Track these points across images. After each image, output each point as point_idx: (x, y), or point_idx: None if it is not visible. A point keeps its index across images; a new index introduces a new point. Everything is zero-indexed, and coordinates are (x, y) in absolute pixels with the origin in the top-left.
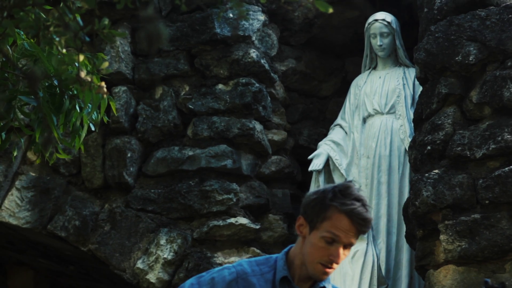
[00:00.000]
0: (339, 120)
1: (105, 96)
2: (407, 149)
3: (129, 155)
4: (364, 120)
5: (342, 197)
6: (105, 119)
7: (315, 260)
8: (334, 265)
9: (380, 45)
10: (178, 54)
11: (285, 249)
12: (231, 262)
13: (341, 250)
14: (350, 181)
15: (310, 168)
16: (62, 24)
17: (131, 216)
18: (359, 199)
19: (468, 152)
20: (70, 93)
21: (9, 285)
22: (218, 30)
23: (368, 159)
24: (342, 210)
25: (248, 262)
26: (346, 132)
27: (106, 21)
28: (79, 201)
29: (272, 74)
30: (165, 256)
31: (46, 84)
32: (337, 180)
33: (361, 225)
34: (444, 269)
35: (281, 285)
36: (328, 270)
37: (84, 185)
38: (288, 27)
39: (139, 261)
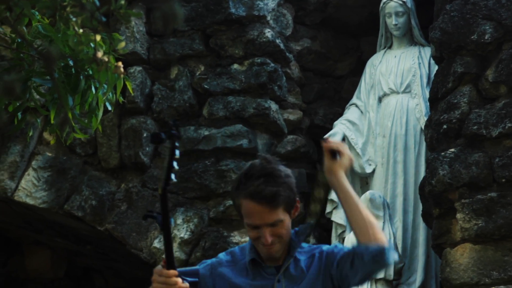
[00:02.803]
0: (354, 100)
1: (121, 76)
2: (423, 128)
3: (145, 135)
4: (380, 99)
5: (245, 180)
6: (121, 99)
7: (255, 243)
8: (274, 243)
9: (395, 24)
10: (193, 34)
11: None
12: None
13: (267, 231)
14: (261, 157)
15: None
16: (78, 5)
17: (147, 195)
18: (260, 176)
19: (484, 131)
20: (86, 73)
21: (27, 265)
22: (233, 10)
23: (384, 138)
24: (246, 195)
25: (226, 253)
26: (361, 112)
27: (123, 1)
28: (95, 181)
29: (287, 53)
30: (181, 235)
31: (62, 64)
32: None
33: (267, 201)
34: (460, 248)
35: (253, 268)
36: (269, 248)
37: (101, 165)
38: (303, 7)
39: (156, 241)
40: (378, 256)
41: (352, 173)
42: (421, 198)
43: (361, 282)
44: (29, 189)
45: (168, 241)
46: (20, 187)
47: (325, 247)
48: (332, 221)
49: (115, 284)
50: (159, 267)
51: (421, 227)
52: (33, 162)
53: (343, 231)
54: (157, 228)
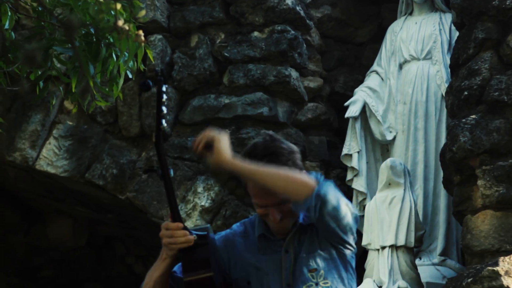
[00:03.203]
0: (375, 67)
1: (142, 44)
2: (443, 94)
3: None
4: (401, 66)
5: (249, 160)
6: (141, 67)
7: (264, 219)
8: (283, 219)
9: None
10: (213, 2)
11: None
12: None
13: (275, 210)
14: (264, 135)
15: (346, 115)
16: None
17: (168, 164)
18: (264, 156)
19: (505, 97)
20: (106, 41)
21: (48, 233)
22: None
23: (405, 105)
24: None
25: (240, 223)
26: (382, 79)
27: None
28: (116, 149)
29: (307, 21)
30: (202, 203)
31: (83, 32)
32: (374, 126)
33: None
34: (481, 214)
35: (262, 243)
36: (279, 224)
37: (121, 134)
38: None
39: None
40: (318, 205)
41: (373, 141)
42: (442, 165)
43: (340, 226)
44: (50, 158)
45: (171, 193)
46: (41, 156)
47: None
48: (352, 189)
49: (136, 253)
50: (165, 222)
51: (442, 194)
52: (54, 131)
53: (364, 199)
54: (178, 196)
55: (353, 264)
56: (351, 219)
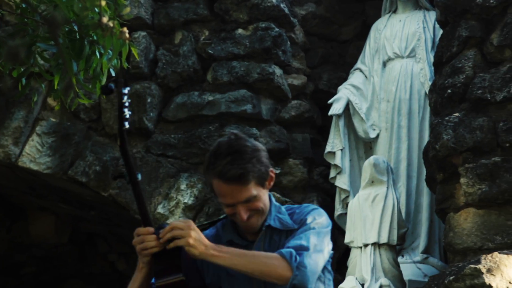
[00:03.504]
0: (359, 64)
1: (126, 41)
2: (427, 92)
3: (149, 100)
4: (384, 64)
5: (214, 160)
6: (125, 65)
7: (233, 218)
8: (251, 216)
9: None
10: None
11: None
12: None
13: (241, 209)
14: (229, 134)
15: (330, 112)
16: None
17: (151, 161)
18: (227, 154)
19: (488, 95)
20: (90, 38)
21: (31, 230)
22: None
23: (388, 103)
24: (214, 175)
25: (212, 228)
26: (366, 76)
27: None
28: (99, 146)
29: (291, 18)
30: (185, 201)
31: (66, 29)
32: (357, 124)
33: (236, 180)
34: (464, 212)
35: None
36: (247, 223)
37: (105, 131)
38: None
39: (160, 206)
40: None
41: (356, 138)
42: (425, 163)
43: None
44: (33, 154)
45: (139, 197)
46: (24, 152)
47: (298, 210)
48: (335, 186)
49: (119, 250)
50: (137, 228)
51: (425, 192)
52: (37, 128)
53: (347, 196)
54: (161, 193)
55: (329, 266)
56: (326, 259)
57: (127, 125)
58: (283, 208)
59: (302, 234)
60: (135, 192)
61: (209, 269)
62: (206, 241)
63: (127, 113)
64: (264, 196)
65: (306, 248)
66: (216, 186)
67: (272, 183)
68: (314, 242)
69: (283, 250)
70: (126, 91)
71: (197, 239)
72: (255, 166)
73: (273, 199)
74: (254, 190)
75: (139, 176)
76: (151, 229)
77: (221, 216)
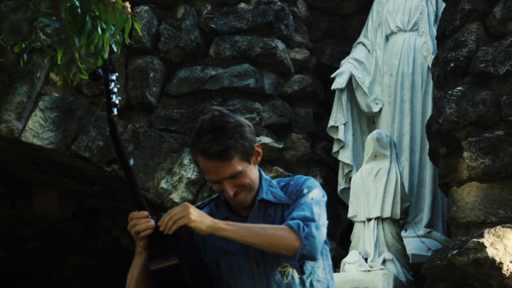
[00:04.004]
0: (361, 38)
1: (129, 16)
2: (430, 66)
3: (151, 75)
4: (387, 38)
5: (198, 137)
6: (127, 41)
7: (222, 195)
8: (239, 193)
9: None
10: None
11: None
12: None
13: (227, 184)
14: (212, 110)
15: (333, 87)
16: None
17: (154, 136)
18: (209, 131)
19: (491, 69)
20: (92, 14)
21: (34, 205)
22: None
23: (391, 77)
24: (198, 153)
25: (204, 203)
26: (368, 50)
27: None
28: (102, 121)
29: None
30: (188, 175)
31: (68, 5)
32: (360, 98)
33: (218, 156)
34: (467, 186)
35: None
36: (235, 199)
37: None
38: None
39: (163, 181)
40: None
41: (359, 112)
42: (428, 136)
43: None
44: (36, 129)
45: (132, 182)
46: (27, 127)
47: (293, 181)
48: (338, 161)
49: (122, 225)
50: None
51: (428, 166)
52: (40, 103)
53: (350, 171)
54: (164, 168)
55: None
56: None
57: (115, 111)
58: (274, 181)
59: (304, 205)
60: (128, 177)
61: (205, 249)
62: (209, 217)
63: (115, 99)
64: (251, 171)
65: (312, 219)
66: (200, 163)
67: (259, 158)
68: (318, 212)
69: (290, 222)
70: (114, 77)
71: (199, 215)
72: (237, 141)
73: (263, 173)
74: (238, 165)
75: (131, 162)
76: (145, 213)
77: (213, 196)
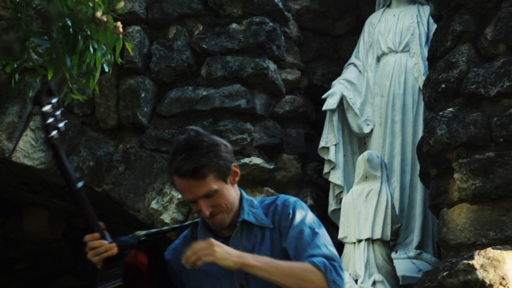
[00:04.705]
0: (353, 59)
1: (120, 36)
2: (421, 87)
3: (143, 95)
4: (378, 59)
5: (173, 157)
6: (119, 60)
7: (200, 215)
8: (216, 213)
9: None
10: None
11: None
12: None
13: (203, 204)
14: (188, 130)
15: (324, 108)
16: None
17: (145, 156)
18: (184, 150)
19: (482, 90)
20: (84, 33)
21: (24, 226)
22: None
23: (382, 98)
24: (173, 172)
25: (187, 230)
26: (360, 71)
27: None
28: (93, 141)
29: (285, 12)
30: (179, 196)
31: (60, 24)
32: (351, 119)
33: (191, 175)
34: (458, 208)
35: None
36: (212, 219)
37: (98, 126)
38: None
39: (154, 202)
40: None
41: (350, 133)
42: (419, 158)
43: None
44: (27, 150)
45: (81, 205)
46: (18, 147)
47: (280, 202)
48: (329, 182)
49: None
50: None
51: (419, 187)
52: (31, 123)
53: (341, 192)
54: (154, 189)
55: None
56: None
57: (54, 133)
58: (255, 201)
59: (316, 241)
60: (76, 200)
61: (188, 274)
62: (235, 251)
63: (56, 122)
64: (228, 191)
65: (331, 258)
66: (176, 183)
67: (237, 179)
68: (329, 247)
69: (316, 260)
70: (52, 100)
71: (224, 252)
72: (211, 160)
73: (244, 193)
74: (213, 184)
75: (80, 184)
76: (97, 235)
77: (187, 222)
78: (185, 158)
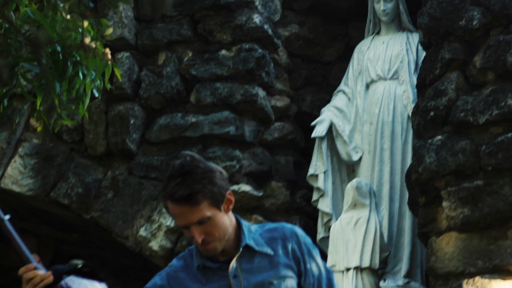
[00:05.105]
0: (342, 86)
1: (109, 62)
2: (410, 115)
3: (132, 121)
4: (367, 86)
5: (167, 182)
6: (108, 86)
7: (194, 241)
8: (208, 241)
9: (384, 10)
10: (181, 20)
11: None
12: None
13: (195, 231)
14: (183, 156)
15: (313, 135)
16: None
17: (134, 183)
18: (178, 176)
19: (471, 118)
20: (73, 59)
21: (12, 253)
22: None
23: (371, 125)
24: (166, 197)
25: (178, 258)
26: (349, 98)
27: None
28: (82, 168)
29: (275, 39)
30: (168, 223)
31: (49, 50)
32: (340, 146)
33: (185, 201)
34: (446, 236)
35: (204, 273)
36: (204, 246)
37: (87, 152)
38: None
39: (142, 229)
40: None
41: (339, 161)
42: (408, 185)
43: None
44: (16, 176)
45: (8, 237)
46: (6, 174)
47: (288, 231)
48: (318, 209)
49: (101, 274)
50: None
51: (407, 215)
52: (20, 149)
53: (329, 220)
54: (143, 216)
55: None
56: None
57: (4, 217)
58: (252, 227)
59: (333, 280)
60: (4, 233)
61: None
62: None
63: None
64: (221, 219)
65: None
66: (169, 208)
67: (231, 207)
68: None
69: None
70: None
71: None
72: (205, 186)
73: (241, 219)
74: (207, 211)
75: (6, 217)
76: (31, 266)
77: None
78: (179, 184)
